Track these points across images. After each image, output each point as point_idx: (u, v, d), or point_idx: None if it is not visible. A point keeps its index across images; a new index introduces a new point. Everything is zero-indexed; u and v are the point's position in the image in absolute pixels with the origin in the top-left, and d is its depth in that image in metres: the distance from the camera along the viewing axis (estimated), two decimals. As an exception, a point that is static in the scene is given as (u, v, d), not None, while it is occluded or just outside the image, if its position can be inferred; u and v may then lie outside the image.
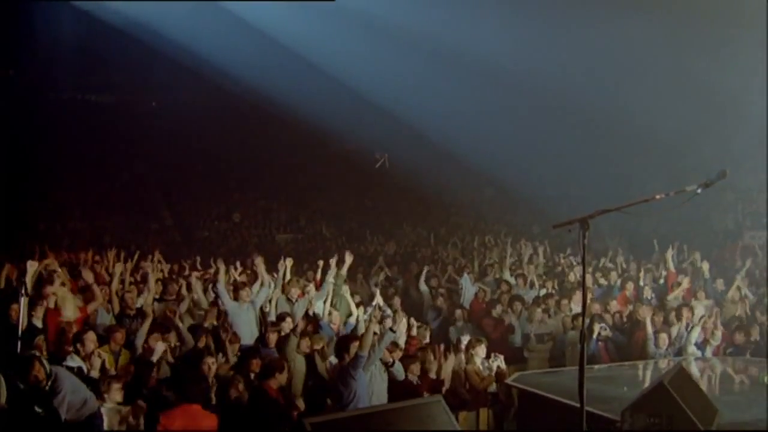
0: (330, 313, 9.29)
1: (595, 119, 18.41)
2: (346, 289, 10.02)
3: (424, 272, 12.33)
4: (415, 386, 7.30)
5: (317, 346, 7.68)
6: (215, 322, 8.46)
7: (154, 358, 6.65)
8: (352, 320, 9.10)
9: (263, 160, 25.95)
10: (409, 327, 8.44)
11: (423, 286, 12.05)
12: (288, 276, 10.13)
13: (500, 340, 9.91)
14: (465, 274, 12.54)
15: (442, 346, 8.05)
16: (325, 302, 9.53)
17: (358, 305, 9.77)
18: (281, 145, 25.71)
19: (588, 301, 9.22)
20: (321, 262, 10.94)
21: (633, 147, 18.58)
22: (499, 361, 8.16)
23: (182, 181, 24.89)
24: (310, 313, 9.13)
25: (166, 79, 22.15)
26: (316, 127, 21.77)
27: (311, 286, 10.06)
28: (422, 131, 21.35)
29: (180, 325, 7.57)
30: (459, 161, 22.11)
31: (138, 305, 8.70)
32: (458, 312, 10.48)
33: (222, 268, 9.46)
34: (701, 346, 8.99)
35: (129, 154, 25.07)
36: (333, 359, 7.28)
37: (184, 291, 9.41)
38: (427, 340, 8.64)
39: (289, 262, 10.48)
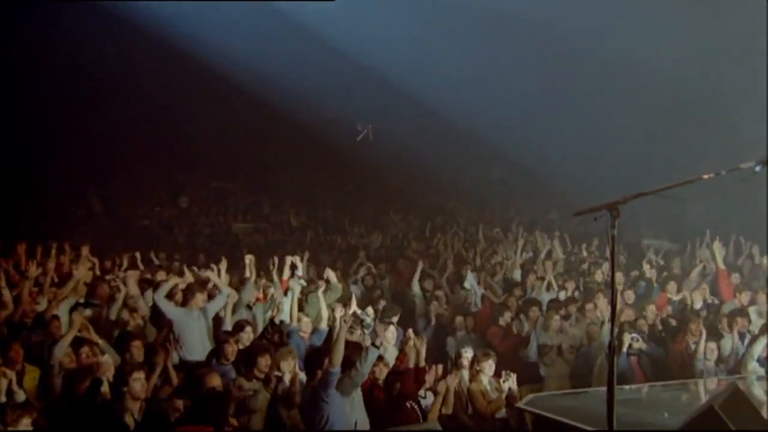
0: (299, 320, 9.31)
1: (629, 81, 18.38)
2: (319, 295, 10.08)
3: (418, 271, 12.35)
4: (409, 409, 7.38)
5: (284, 364, 7.66)
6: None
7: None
8: (323, 326, 9.14)
9: (217, 130, 25.74)
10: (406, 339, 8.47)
11: (416, 288, 12.07)
12: (253, 275, 10.19)
13: (510, 353, 9.96)
14: (469, 273, 12.59)
15: (440, 367, 8.09)
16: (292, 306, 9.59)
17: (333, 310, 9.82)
18: (240, 112, 25.50)
19: (618, 305, 9.24)
20: (289, 259, 10.96)
21: (677, 115, 18.60)
22: (510, 381, 8.18)
23: (115, 157, 24.64)
24: (276, 320, 9.14)
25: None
26: (283, 90, 21.61)
27: (275, 288, 10.06)
28: (414, 97, 21.21)
29: (96, 338, 7.61)
30: (460, 134, 22.07)
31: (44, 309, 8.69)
32: (459, 319, 10.50)
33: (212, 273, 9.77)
34: (765, 361, 9.01)
35: (44, 121, 24.67)
36: (303, 376, 7.35)
37: (119, 293, 9.42)
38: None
39: (249, 259, 10.49)
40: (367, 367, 6.87)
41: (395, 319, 10.66)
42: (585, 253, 15.55)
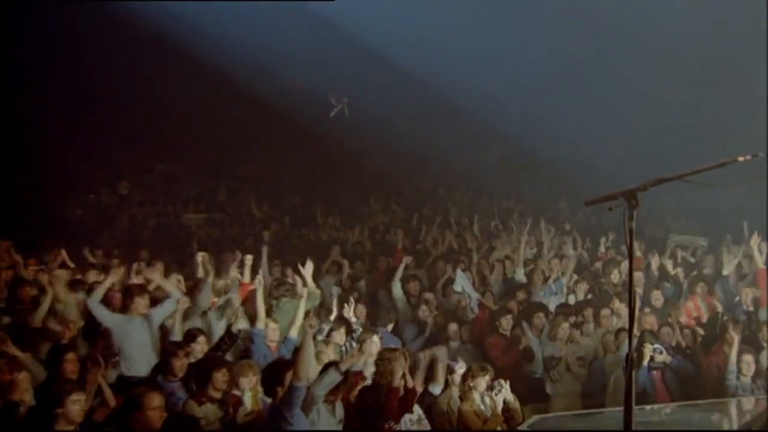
0: (266, 326, 9.31)
1: (650, 48, 18.45)
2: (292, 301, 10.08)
3: (400, 269, 12.33)
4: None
5: (244, 381, 7.62)
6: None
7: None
8: (293, 335, 9.13)
9: (164, 103, 25.57)
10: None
11: (397, 291, 12.05)
12: (210, 275, 10.19)
13: (511, 367, 9.96)
14: (459, 272, 12.60)
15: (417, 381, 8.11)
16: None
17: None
18: (192, 82, 25.33)
19: (636, 311, 9.23)
20: (249, 257, 10.92)
21: (705, 87, 18.66)
22: (504, 392, 8.24)
23: (40, 133, 24.41)
24: (235, 328, 9.12)
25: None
26: (242, 57, 21.50)
27: (233, 290, 10.03)
28: (398, 65, 21.21)
29: (15, 351, 7.55)
30: (452, 109, 22.06)
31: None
32: (452, 328, 10.50)
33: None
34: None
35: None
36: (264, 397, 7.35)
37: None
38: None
39: (202, 257, 10.45)
40: (321, 389, 6.89)
41: (390, 327, 10.69)
42: (603, 249, 15.59)
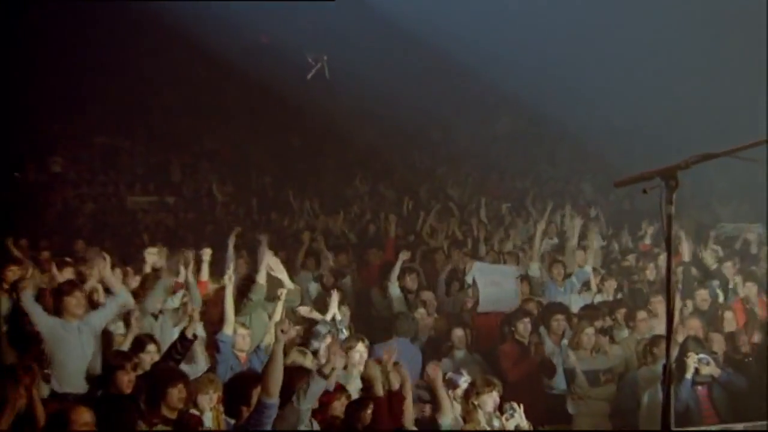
0: (235, 331, 9.32)
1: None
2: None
3: (398, 264, 12.37)
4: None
5: (203, 399, 7.64)
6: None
7: None
8: (269, 342, 9.14)
9: (106, 63, 25.48)
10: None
11: (394, 289, 12.08)
12: (161, 269, 10.27)
13: (525, 382, 10.00)
14: (476, 264, 12.65)
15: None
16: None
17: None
18: (140, 38, 25.24)
19: (677, 313, 9.25)
20: (207, 251, 10.92)
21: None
22: (517, 417, 8.26)
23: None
24: (189, 333, 9.09)
25: None
26: (199, 8, 21.44)
27: (191, 289, 10.03)
28: (390, 17, 21.17)
29: None
30: (456, 71, 22.07)
31: None
32: (458, 333, 10.53)
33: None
34: None
35: None
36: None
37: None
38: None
39: (153, 253, 10.44)
40: (307, 402, 6.91)
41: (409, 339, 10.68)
42: (630, 240, 15.64)
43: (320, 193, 22.45)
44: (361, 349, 8.94)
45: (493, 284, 12.37)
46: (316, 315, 10.30)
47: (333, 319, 10.10)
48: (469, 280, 12.48)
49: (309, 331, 9.71)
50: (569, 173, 23.12)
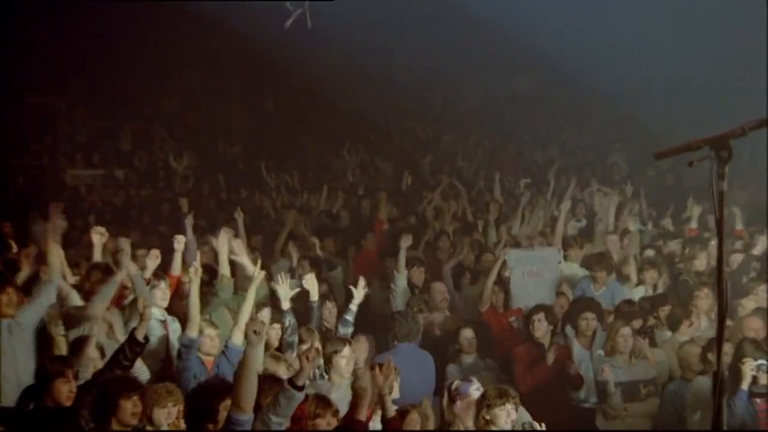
0: (201, 331, 9.30)
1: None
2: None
3: (403, 251, 12.38)
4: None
5: (160, 413, 7.64)
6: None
7: None
8: (237, 341, 9.12)
9: (39, 9, 25.44)
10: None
11: (401, 280, 12.16)
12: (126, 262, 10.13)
13: (545, 391, 10.01)
14: (512, 252, 12.65)
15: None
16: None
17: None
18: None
19: (725, 313, 9.22)
20: (180, 238, 10.90)
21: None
22: (531, 423, 8.23)
23: None
24: (140, 336, 9.09)
25: None
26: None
27: (137, 283, 10.03)
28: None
29: None
30: (464, 21, 22.04)
31: None
32: (466, 334, 10.51)
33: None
34: None
35: None
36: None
37: None
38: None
39: (98, 232, 10.39)
40: (278, 419, 6.92)
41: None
42: (692, 221, 15.58)
43: (300, 165, 22.43)
44: (347, 354, 8.92)
45: (531, 275, 12.41)
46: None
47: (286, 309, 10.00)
48: (506, 273, 12.42)
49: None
50: (600, 142, 23.09)
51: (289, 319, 9.77)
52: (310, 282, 10.31)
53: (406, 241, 12.67)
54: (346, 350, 8.95)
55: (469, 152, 22.50)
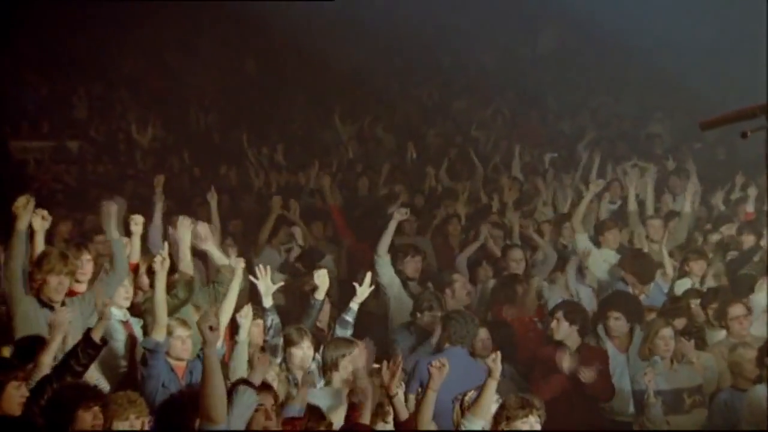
0: (171, 332, 9.29)
1: None
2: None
3: (392, 224, 12.30)
4: None
5: (122, 425, 7.66)
6: None
7: None
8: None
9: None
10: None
11: (386, 270, 12.06)
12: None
13: (571, 401, 10.01)
14: (581, 236, 12.69)
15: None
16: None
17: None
18: None
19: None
20: (138, 218, 10.88)
21: None
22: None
23: None
24: (97, 336, 9.09)
25: None
26: None
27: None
28: None
29: None
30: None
31: None
32: (482, 335, 10.49)
33: None
34: None
35: None
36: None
37: None
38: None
39: (41, 215, 10.40)
40: (233, 422, 6.96)
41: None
42: (749, 202, 15.56)
43: (287, 137, 22.43)
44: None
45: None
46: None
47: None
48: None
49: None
50: (638, 109, 23.09)
51: (272, 319, 9.74)
52: (322, 278, 10.24)
53: (400, 213, 12.45)
54: (356, 353, 9.02)
55: (485, 122, 22.50)
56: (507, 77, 24.38)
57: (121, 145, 22.62)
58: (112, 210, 10.29)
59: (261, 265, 10.15)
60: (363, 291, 10.28)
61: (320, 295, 10.22)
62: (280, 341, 9.58)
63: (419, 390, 8.63)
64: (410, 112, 23.53)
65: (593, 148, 18.53)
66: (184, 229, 10.31)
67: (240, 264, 9.83)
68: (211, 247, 10.46)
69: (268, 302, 9.84)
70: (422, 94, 24.80)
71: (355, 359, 8.91)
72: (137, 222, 10.58)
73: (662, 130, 21.78)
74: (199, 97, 24.84)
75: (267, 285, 9.86)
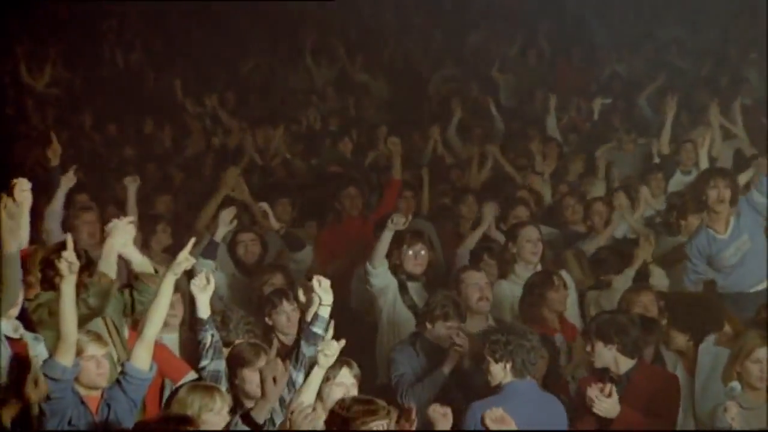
0: (82, 352, 9.39)
1: None
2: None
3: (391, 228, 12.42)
4: None
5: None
6: None
7: None
8: (141, 362, 9.23)
9: None
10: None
11: (379, 269, 12.14)
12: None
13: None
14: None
15: None
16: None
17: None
18: None
19: None
20: (22, 186, 10.97)
21: None
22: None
23: None
24: (39, 358, 9.24)
25: None
26: None
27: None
28: None
29: None
30: None
31: None
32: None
33: None
34: None
35: None
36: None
37: None
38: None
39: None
40: None
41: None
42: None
43: (239, 82, 22.53)
44: (345, 375, 9.09)
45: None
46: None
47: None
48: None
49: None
50: (718, 47, 23.14)
51: (211, 334, 9.65)
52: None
53: (395, 223, 12.42)
54: (345, 374, 9.14)
55: (507, 62, 22.54)
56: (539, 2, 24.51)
57: (8, 91, 22.60)
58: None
59: (203, 274, 9.96)
60: (326, 295, 9.53)
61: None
62: (223, 365, 9.55)
63: None
64: (408, 49, 23.62)
65: (659, 99, 18.61)
66: (124, 234, 10.15)
67: (171, 276, 9.62)
68: (131, 250, 10.41)
69: (204, 312, 9.67)
70: (423, 24, 24.85)
71: (348, 385, 8.97)
72: (23, 188, 10.26)
73: (755, 75, 21.69)
74: (117, 27, 24.92)
75: (208, 294, 9.71)
